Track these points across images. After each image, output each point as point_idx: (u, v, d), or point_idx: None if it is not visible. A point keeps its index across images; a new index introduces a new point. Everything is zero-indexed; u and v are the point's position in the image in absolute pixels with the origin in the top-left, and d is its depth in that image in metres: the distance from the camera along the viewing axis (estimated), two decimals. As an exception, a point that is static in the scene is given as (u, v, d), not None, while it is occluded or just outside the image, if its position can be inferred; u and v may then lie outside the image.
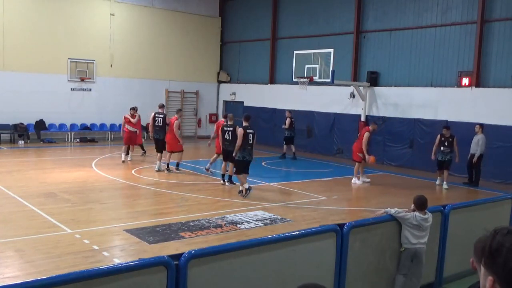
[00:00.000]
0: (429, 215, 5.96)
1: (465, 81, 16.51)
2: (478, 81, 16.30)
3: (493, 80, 16.05)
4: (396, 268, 5.95)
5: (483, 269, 1.57)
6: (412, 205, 6.00)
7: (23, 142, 20.29)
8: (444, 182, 14.00)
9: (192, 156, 18.22)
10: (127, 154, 16.44)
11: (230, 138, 12.37)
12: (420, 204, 5.91)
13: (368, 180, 14.49)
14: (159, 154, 14.97)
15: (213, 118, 26.36)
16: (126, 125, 16.44)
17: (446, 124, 16.71)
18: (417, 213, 5.89)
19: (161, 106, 15.90)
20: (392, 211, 5.92)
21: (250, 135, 11.71)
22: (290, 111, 19.50)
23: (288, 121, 18.75)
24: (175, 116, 14.92)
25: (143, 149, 17.98)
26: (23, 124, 20.65)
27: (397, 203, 11.30)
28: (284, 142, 18.98)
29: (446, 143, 13.95)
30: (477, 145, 14.24)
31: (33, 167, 15.22)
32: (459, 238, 6.58)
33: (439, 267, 6.54)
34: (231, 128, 12.45)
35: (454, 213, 6.56)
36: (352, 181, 14.36)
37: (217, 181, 13.74)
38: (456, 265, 6.65)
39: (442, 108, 17.07)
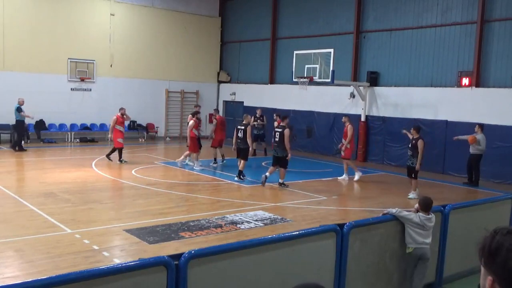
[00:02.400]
0: (432, 216, 6.03)
1: (465, 81, 16.50)
2: (478, 81, 16.30)
3: (493, 80, 16.05)
4: (407, 270, 6.03)
5: (483, 269, 1.57)
6: (417, 204, 6.07)
7: (23, 142, 20.27)
8: (411, 192, 12.34)
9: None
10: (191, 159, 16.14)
11: (242, 136, 13.78)
12: (425, 206, 5.98)
13: (346, 178, 14.53)
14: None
15: (212, 118, 26.35)
16: (193, 130, 15.62)
17: (446, 124, 16.75)
18: (420, 213, 5.96)
19: (195, 106, 17.77)
20: (394, 210, 5.96)
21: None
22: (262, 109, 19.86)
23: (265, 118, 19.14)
24: (219, 116, 16.68)
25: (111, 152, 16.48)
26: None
27: (397, 203, 11.31)
28: (258, 140, 19.05)
29: (409, 145, 12.36)
30: (477, 145, 14.23)
31: (33, 167, 15.23)
32: (459, 238, 6.59)
33: (439, 267, 6.54)
34: (243, 127, 13.91)
35: (454, 213, 6.56)
36: (355, 179, 14.49)
37: (217, 181, 13.76)
38: (456, 265, 6.65)
39: (442, 108, 17.07)
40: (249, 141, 13.82)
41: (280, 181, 13.09)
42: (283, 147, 12.84)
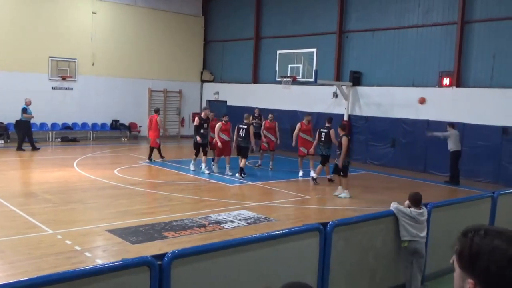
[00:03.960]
0: (424, 210, 6.26)
1: (446, 81, 16.72)
2: (459, 81, 16.52)
3: (473, 80, 16.27)
4: (401, 263, 6.26)
5: (460, 272, 1.55)
6: (407, 201, 6.26)
7: (3, 141, 20.00)
8: (344, 191, 12.16)
9: (175, 156, 18.14)
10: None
11: (244, 135, 14.22)
12: (415, 201, 6.20)
13: (301, 174, 14.93)
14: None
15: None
16: (221, 134, 14.56)
17: (427, 124, 16.95)
18: (412, 208, 6.17)
19: (205, 109, 16.10)
20: (394, 205, 6.26)
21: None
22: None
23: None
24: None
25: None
26: (3, 123, 20.35)
27: (380, 201, 11.41)
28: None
29: (337, 145, 12.41)
30: (452, 142, 14.52)
31: (13, 167, 15.01)
32: (441, 236, 6.66)
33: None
34: (245, 126, 14.35)
35: (435, 211, 6.64)
36: (299, 175, 14.93)
37: (201, 180, 13.74)
38: (437, 263, 6.73)
39: (424, 108, 17.26)
40: (252, 140, 14.36)
41: (314, 176, 13.85)
42: (329, 146, 13.65)
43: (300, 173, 14.98)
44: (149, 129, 17.04)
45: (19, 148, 17.98)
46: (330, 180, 13.98)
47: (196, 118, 15.28)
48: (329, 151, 13.77)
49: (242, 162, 14.26)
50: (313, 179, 13.81)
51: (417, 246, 6.16)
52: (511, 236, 1.51)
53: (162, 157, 16.93)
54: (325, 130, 13.88)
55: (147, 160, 16.55)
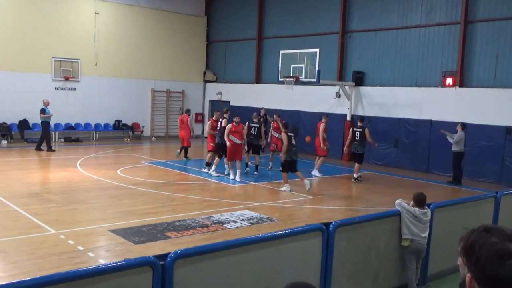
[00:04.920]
0: (428, 210, 6.27)
1: (449, 81, 16.69)
2: (462, 81, 16.48)
3: (476, 80, 16.23)
4: (404, 263, 6.27)
5: (465, 267, 1.59)
6: (411, 201, 6.26)
7: (6, 142, 20.04)
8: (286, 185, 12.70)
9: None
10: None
11: (255, 133, 14.77)
12: (419, 202, 6.22)
13: (320, 175, 15.31)
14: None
15: (199, 118, 26.30)
16: (230, 136, 13.56)
17: (430, 124, 16.91)
18: (416, 208, 6.19)
19: (226, 110, 15.26)
20: (398, 201, 6.30)
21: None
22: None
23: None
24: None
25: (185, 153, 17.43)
26: (6, 123, 20.40)
27: (382, 201, 11.40)
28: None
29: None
30: (456, 142, 14.44)
31: (16, 167, 15.03)
32: (444, 236, 6.65)
33: (424, 265, 6.60)
34: (257, 125, 14.88)
35: (438, 211, 6.62)
36: (312, 173, 15.30)
37: (204, 180, 13.73)
38: (440, 263, 6.72)
39: (427, 108, 17.23)
40: (263, 138, 15.06)
41: (355, 175, 14.44)
42: (363, 144, 14.32)
43: (318, 173, 15.33)
44: (181, 128, 17.48)
45: (43, 147, 18.16)
46: (356, 179, 14.46)
47: (227, 122, 14.03)
48: (363, 149, 14.50)
49: (257, 159, 14.91)
50: (355, 178, 14.38)
51: (418, 246, 6.16)
52: (508, 234, 1.53)
53: (186, 156, 17.33)
54: (359, 129, 14.43)
55: (184, 158, 17.19)
